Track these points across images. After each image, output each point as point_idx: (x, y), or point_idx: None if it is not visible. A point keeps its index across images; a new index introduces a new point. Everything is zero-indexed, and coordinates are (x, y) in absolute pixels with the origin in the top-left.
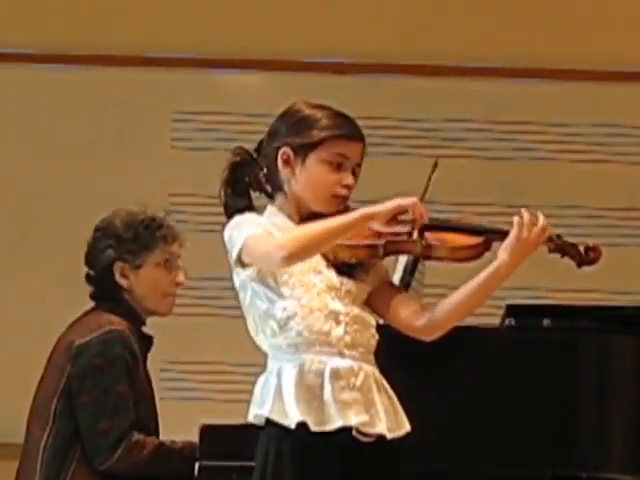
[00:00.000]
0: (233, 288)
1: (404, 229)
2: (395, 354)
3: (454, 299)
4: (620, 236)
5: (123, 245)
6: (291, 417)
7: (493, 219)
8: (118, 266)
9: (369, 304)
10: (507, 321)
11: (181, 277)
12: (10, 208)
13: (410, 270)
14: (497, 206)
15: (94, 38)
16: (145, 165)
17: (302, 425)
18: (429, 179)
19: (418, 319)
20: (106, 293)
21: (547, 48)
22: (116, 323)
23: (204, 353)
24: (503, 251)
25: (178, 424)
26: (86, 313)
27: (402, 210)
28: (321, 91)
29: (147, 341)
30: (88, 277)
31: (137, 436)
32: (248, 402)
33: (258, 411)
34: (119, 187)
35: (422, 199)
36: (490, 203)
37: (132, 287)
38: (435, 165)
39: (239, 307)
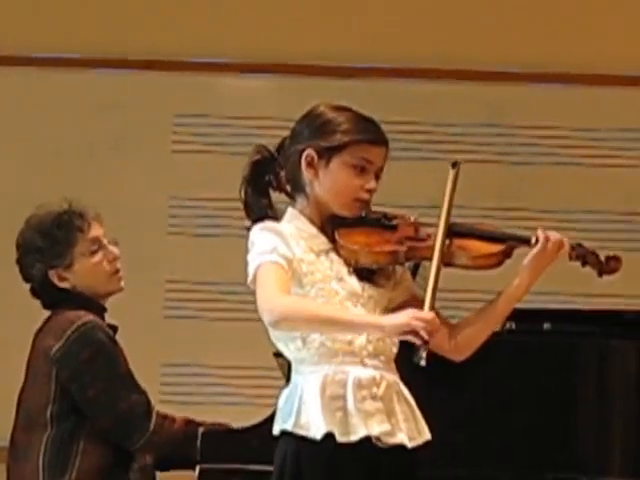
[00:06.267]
0: (232, 292)
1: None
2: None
3: (481, 321)
4: (620, 240)
5: (47, 254)
6: (316, 428)
7: (492, 223)
8: (53, 274)
9: None
10: (507, 325)
11: (114, 251)
12: (9, 212)
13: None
14: (496, 210)
15: (95, 41)
16: (146, 169)
17: (327, 436)
18: (454, 183)
19: (448, 341)
20: (55, 299)
21: (547, 51)
22: (84, 316)
23: (204, 356)
24: (524, 270)
25: None
26: (50, 317)
27: (411, 330)
28: (322, 95)
29: (112, 330)
30: (33, 290)
31: (163, 412)
32: (248, 405)
33: (283, 425)
34: (120, 191)
35: (450, 206)
36: (489, 207)
37: (75, 284)
38: (455, 165)
39: (239, 310)
